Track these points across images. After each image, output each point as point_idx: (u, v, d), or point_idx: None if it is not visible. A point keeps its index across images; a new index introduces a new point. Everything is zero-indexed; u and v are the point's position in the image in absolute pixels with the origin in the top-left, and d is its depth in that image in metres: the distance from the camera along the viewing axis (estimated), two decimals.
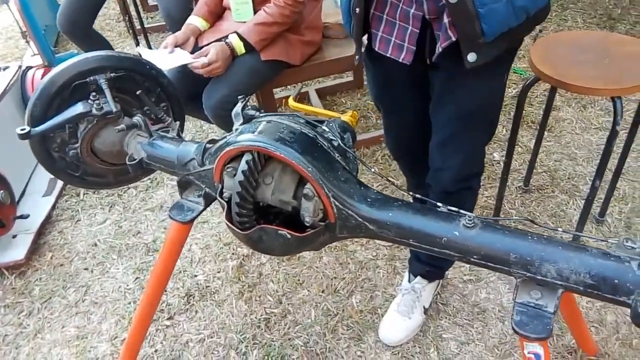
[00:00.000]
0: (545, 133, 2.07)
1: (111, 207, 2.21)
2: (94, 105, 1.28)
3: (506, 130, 2.36)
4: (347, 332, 1.65)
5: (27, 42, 2.93)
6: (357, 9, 1.21)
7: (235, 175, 1.07)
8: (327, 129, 1.14)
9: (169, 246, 1.34)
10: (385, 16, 1.23)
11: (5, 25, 4.02)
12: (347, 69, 2.54)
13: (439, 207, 1.02)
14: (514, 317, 0.93)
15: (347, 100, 2.76)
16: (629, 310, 0.84)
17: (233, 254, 1.94)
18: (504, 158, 1.90)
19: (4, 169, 1.97)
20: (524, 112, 1.75)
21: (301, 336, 1.65)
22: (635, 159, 2.14)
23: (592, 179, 1.68)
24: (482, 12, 1.05)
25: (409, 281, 1.67)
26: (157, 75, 1.45)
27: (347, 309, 1.71)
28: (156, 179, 2.31)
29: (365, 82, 2.78)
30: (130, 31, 3.33)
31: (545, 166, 2.18)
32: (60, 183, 2.30)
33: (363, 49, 1.32)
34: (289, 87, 2.78)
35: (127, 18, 3.33)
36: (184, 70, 1.86)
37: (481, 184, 1.52)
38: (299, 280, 1.83)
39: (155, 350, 1.64)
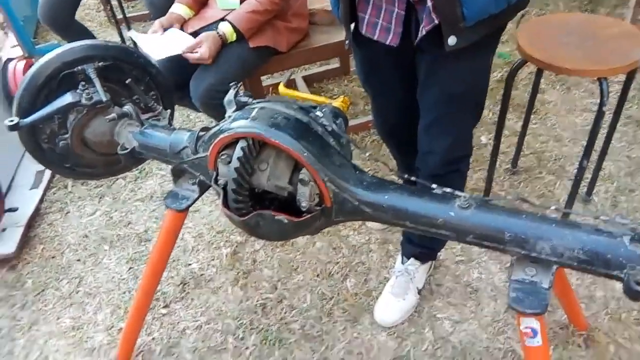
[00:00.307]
0: (532, 116, 2.09)
1: (100, 198, 2.20)
2: (84, 95, 1.27)
3: (492, 114, 2.38)
4: (343, 315, 1.67)
5: (6, 33, 2.88)
6: None
7: (230, 162, 1.07)
8: (321, 114, 1.14)
9: (165, 235, 1.34)
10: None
11: None
12: (334, 55, 2.54)
13: (433, 188, 1.03)
14: (510, 294, 0.95)
15: (334, 87, 2.76)
16: (617, 286, 0.86)
17: (226, 241, 1.95)
18: (491, 141, 1.92)
19: None
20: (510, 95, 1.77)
21: (297, 320, 1.66)
22: (618, 139, 2.18)
23: (579, 159, 1.71)
24: None
25: (402, 263, 1.70)
26: (145, 64, 1.44)
27: (342, 293, 1.73)
28: (145, 169, 2.29)
29: (352, 69, 2.78)
30: (112, 20, 3.28)
31: (532, 148, 2.22)
32: (47, 175, 2.28)
33: (336, 31, 1.32)
34: (274, 74, 2.77)
35: (108, 7, 3.28)
36: (170, 58, 1.84)
37: (470, 166, 1.54)
38: (293, 265, 1.84)
39: (153, 339, 1.65)
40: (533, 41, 1.58)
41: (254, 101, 1.16)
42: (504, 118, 1.81)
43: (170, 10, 2.00)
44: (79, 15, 3.71)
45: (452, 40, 1.12)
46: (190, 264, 1.88)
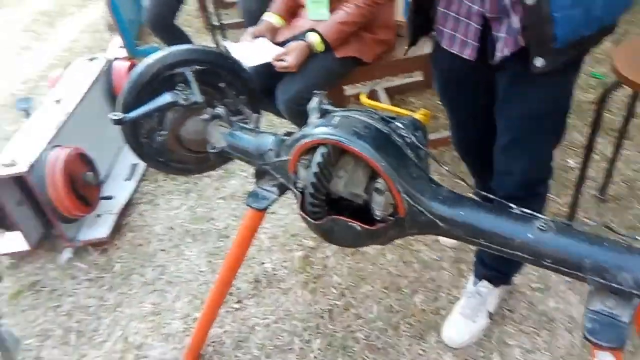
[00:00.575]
0: (625, 141, 1.98)
1: (187, 193, 2.33)
2: (181, 96, 1.37)
3: (583, 137, 2.27)
4: (409, 330, 1.66)
5: (112, 35, 3.12)
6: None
7: (309, 166, 1.11)
8: (401, 126, 1.16)
9: (244, 232, 1.41)
10: (449, 12, 1.23)
11: (92, 19, 4.30)
12: (418, 67, 2.53)
13: (512, 207, 1.01)
14: (585, 325, 0.91)
15: (416, 100, 2.75)
16: None
17: (299, 245, 2.00)
18: (579, 165, 1.84)
19: (91, 153, 2.13)
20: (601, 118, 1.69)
21: (363, 329, 1.68)
22: None
23: None
24: (557, 17, 1.03)
25: (474, 285, 1.66)
26: (238, 69, 1.52)
27: (410, 308, 1.72)
28: (229, 169, 2.41)
29: None
30: (208, 27, 3.47)
31: (623, 175, 2.09)
32: (141, 169, 2.45)
33: (420, 44, 1.32)
34: (357, 84, 2.80)
35: (205, 14, 3.48)
36: (258, 65, 1.93)
37: (554, 191, 1.49)
38: (362, 275, 1.85)
39: (225, 331, 1.73)
40: (630, 62, 1.50)
41: (337, 109, 1.20)
42: (594, 141, 1.73)
43: (262, 18, 2.09)
44: (180, 20, 3.97)
45: (539, 62, 1.09)
46: (264, 263, 1.95)
